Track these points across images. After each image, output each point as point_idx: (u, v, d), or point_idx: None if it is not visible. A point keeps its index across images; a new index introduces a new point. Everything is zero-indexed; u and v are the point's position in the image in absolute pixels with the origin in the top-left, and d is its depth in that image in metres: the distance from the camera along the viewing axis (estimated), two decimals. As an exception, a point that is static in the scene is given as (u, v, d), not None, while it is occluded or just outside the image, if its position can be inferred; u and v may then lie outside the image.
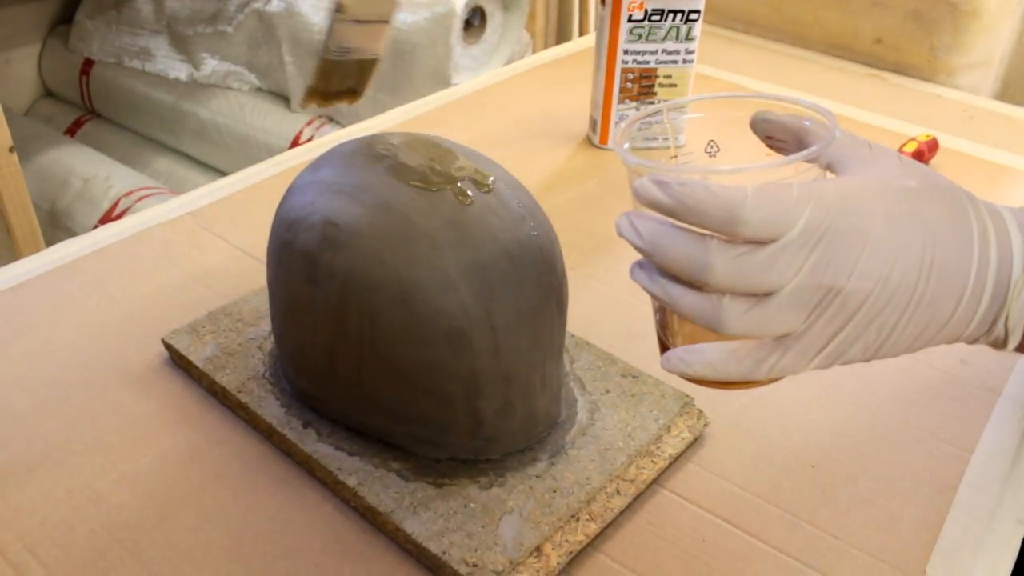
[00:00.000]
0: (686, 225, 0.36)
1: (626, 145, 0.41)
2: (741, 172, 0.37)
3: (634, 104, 0.89)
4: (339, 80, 0.51)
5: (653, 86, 0.89)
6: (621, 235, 0.37)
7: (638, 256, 0.39)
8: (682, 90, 0.90)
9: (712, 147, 0.44)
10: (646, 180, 0.35)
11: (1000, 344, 0.40)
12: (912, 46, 1.13)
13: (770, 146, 0.42)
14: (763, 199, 0.34)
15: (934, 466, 0.54)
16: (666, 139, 0.45)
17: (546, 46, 1.83)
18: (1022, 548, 0.50)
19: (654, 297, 0.38)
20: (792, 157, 0.37)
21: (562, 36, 1.86)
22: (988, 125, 1.02)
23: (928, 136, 0.90)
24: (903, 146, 0.89)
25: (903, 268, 0.36)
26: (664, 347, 0.43)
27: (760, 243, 0.35)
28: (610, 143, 0.92)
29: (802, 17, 1.22)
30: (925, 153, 0.88)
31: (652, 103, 0.90)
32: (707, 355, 0.37)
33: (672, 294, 0.37)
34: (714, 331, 0.36)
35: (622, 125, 0.42)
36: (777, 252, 0.34)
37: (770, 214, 0.34)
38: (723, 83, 1.09)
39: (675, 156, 0.45)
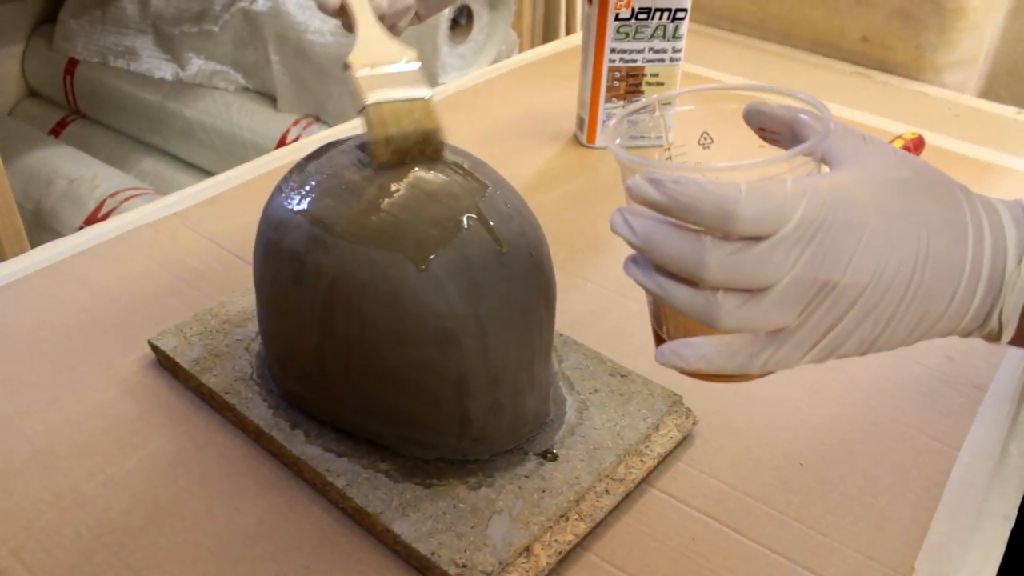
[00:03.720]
0: (680, 221, 0.36)
1: (617, 140, 0.40)
2: (736, 169, 0.37)
3: (621, 103, 0.89)
4: (397, 121, 0.51)
5: (640, 85, 0.89)
6: (615, 231, 0.37)
7: (629, 252, 0.39)
8: (669, 89, 0.90)
9: (705, 139, 0.44)
10: (639, 178, 0.35)
11: (994, 337, 0.40)
12: (898, 44, 1.14)
13: (763, 138, 0.42)
14: (757, 195, 0.34)
15: (922, 463, 0.54)
16: (659, 136, 0.45)
17: (533, 45, 1.83)
18: (1009, 544, 0.51)
19: (648, 292, 0.38)
20: (788, 153, 0.37)
21: (549, 35, 1.86)
22: (973, 123, 1.03)
23: (914, 134, 0.90)
24: (890, 143, 0.89)
25: (898, 261, 0.36)
26: (659, 340, 0.43)
27: (754, 239, 0.35)
28: (601, 139, 0.92)
29: (788, 15, 1.22)
30: (911, 151, 0.89)
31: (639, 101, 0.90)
32: (701, 349, 0.37)
33: (666, 289, 0.37)
34: (708, 326, 0.36)
35: (612, 121, 0.41)
36: (771, 248, 0.34)
37: (764, 210, 0.34)
38: (710, 81, 1.10)
39: (668, 149, 0.44)
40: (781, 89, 0.42)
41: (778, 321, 0.36)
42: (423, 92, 0.52)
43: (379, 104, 0.50)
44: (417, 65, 0.54)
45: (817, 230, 0.35)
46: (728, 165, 0.37)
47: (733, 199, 0.34)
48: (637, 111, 0.43)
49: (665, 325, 0.42)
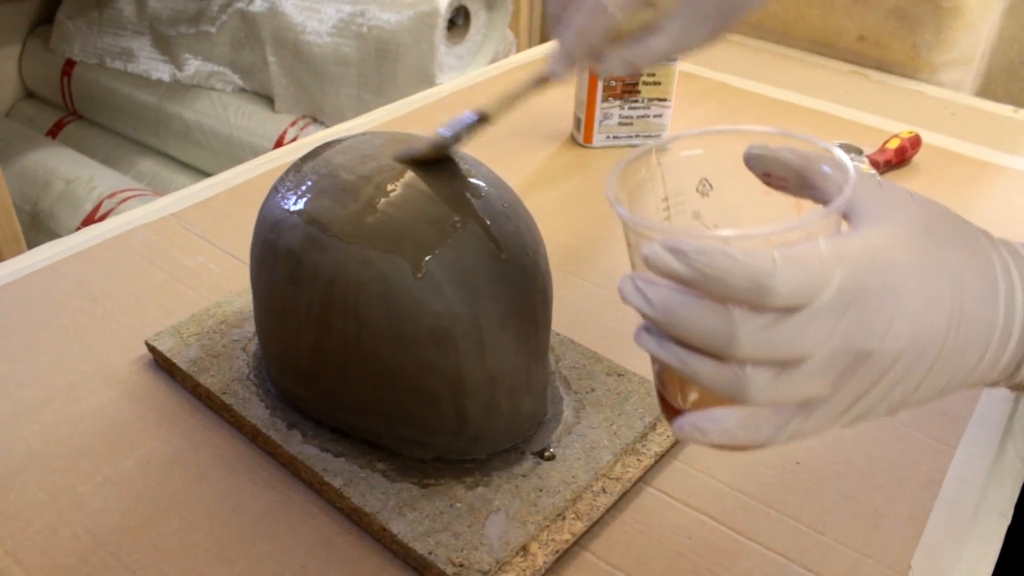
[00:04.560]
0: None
1: (618, 196, 0.38)
2: (766, 237, 0.34)
3: (618, 103, 0.90)
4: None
5: (637, 84, 0.89)
6: (627, 301, 0.34)
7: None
8: (666, 88, 0.90)
9: (704, 186, 0.41)
10: (659, 248, 0.32)
11: (1022, 387, 0.39)
12: (895, 43, 1.14)
13: (768, 183, 0.39)
14: (793, 265, 0.31)
15: (918, 461, 0.54)
16: (654, 186, 0.41)
17: (530, 45, 1.83)
18: (1006, 542, 0.51)
19: (666, 365, 0.35)
20: (821, 213, 0.34)
21: (546, 35, 1.86)
22: (970, 121, 1.03)
23: (911, 132, 0.90)
24: (886, 143, 0.89)
25: (932, 323, 0.34)
26: (666, 405, 0.40)
27: (788, 309, 0.32)
28: (598, 138, 0.92)
29: (785, 15, 1.22)
30: (908, 149, 0.89)
31: (636, 101, 0.90)
32: (723, 423, 0.34)
33: (688, 364, 0.33)
34: (735, 401, 0.34)
35: (611, 175, 0.38)
36: (807, 319, 0.32)
37: (801, 281, 0.31)
38: (707, 81, 1.10)
39: (665, 199, 0.41)
40: (780, 131, 0.39)
41: (811, 393, 0.33)
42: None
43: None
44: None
45: (854, 297, 0.32)
46: (760, 232, 0.34)
47: (768, 271, 0.31)
48: (634, 158, 0.40)
49: (677, 394, 0.39)
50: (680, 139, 0.41)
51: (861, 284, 0.32)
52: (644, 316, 0.34)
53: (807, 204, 0.39)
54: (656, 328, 0.34)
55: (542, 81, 0.48)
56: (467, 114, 0.49)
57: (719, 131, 0.40)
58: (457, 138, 0.50)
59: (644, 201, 0.40)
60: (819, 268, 0.32)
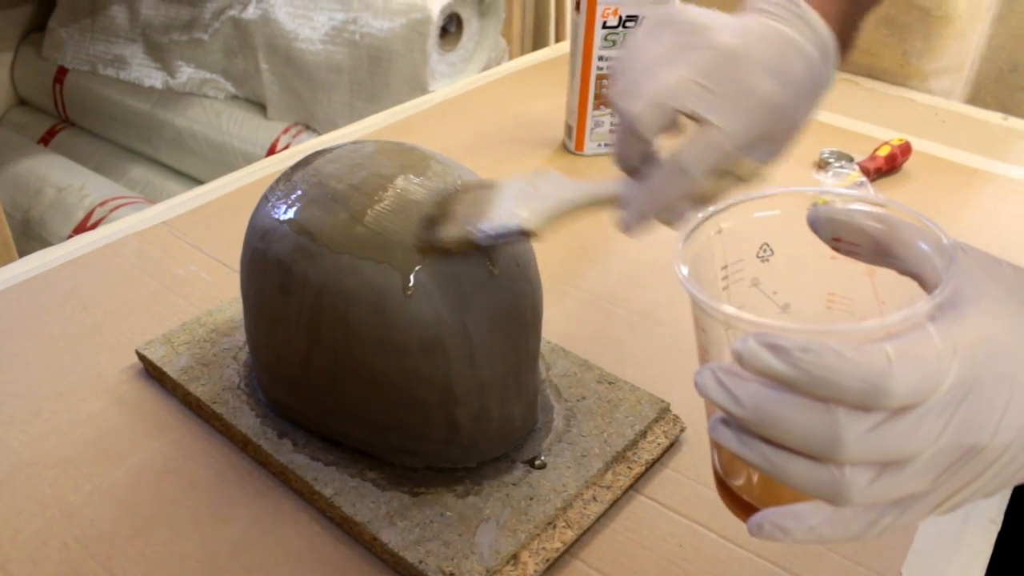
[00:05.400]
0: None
1: (685, 270, 0.35)
2: (872, 330, 0.30)
3: (609, 110, 0.90)
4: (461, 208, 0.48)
5: (628, 92, 0.89)
6: (707, 397, 0.31)
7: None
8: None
9: (765, 250, 0.38)
10: (754, 344, 0.29)
11: None
12: (885, 51, 1.14)
13: (836, 248, 0.36)
14: (910, 364, 0.28)
15: (908, 468, 0.54)
16: (712, 254, 0.38)
17: (522, 52, 1.83)
18: (995, 548, 0.51)
19: (748, 464, 0.31)
20: (931, 304, 0.31)
21: (538, 42, 1.86)
22: (960, 129, 1.03)
23: (901, 140, 0.91)
24: (877, 150, 0.89)
25: None
26: (724, 488, 0.37)
27: (901, 409, 0.29)
28: (590, 146, 0.92)
29: (776, 23, 1.22)
30: (898, 157, 0.89)
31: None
32: (808, 520, 0.31)
33: (778, 465, 0.30)
34: (831, 504, 0.31)
35: (678, 251, 0.35)
36: (921, 417, 0.29)
37: (919, 380, 0.28)
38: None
39: (725, 266, 0.38)
40: (886, 200, 0.35)
41: (914, 491, 0.31)
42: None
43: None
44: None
45: (968, 391, 0.29)
46: (871, 326, 0.31)
47: (884, 372, 0.28)
48: (695, 229, 0.37)
49: (749, 487, 0.36)
50: (739, 203, 0.38)
51: (976, 376, 0.30)
52: (728, 414, 0.31)
53: (880, 271, 0.36)
54: (737, 423, 0.31)
55: (598, 205, 0.46)
56: (511, 224, 0.45)
57: (781, 192, 0.37)
58: (491, 244, 0.47)
59: (702, 271, 0.37)
60: (935, 364, 0.29)
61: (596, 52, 0.87)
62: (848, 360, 0.28)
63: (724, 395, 0.30)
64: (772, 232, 0.38)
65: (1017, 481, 0.33)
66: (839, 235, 0.35)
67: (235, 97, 1.81)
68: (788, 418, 0.29)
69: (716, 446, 0.37)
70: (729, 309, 0.32)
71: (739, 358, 0.30)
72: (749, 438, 0.31)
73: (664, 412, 0.55)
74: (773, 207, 0.37)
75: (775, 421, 0.29)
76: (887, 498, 0.31)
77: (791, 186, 0.37)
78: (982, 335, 0.30)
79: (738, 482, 0.36)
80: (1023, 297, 0.33)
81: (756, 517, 0.32)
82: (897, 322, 0.30)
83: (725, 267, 0.38)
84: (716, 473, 0.38)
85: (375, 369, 0.47)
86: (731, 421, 0.31)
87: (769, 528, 0.32)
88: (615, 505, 0.51)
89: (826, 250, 0.36)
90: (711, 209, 0.37)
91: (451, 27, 1.66)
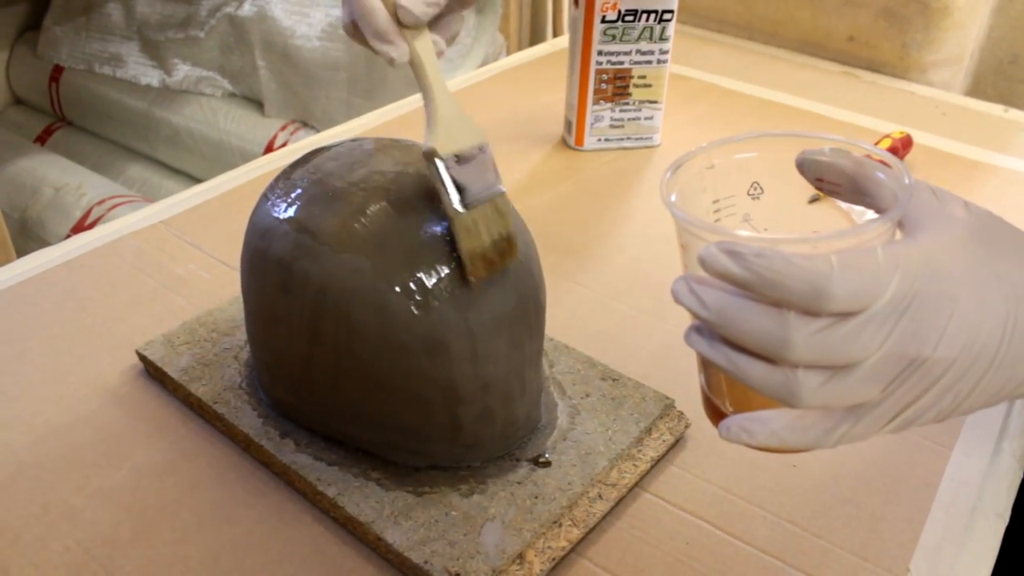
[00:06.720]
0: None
1: (673, 197, 0.38)
2: (822, 242, 0.34)
3: (609, 105, 0.89)
4: (487, 230, 0.47)
5: (628, 87, 0.89)
6: (679, 301, 0.34)
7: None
8: (657, 90, 0.89)
9: (756, 189, 0.41)
10: (715, 250, 0.32)
11: None
12: (884, 43, 1.14)
13: (820, 188, 0.39)
14: (851, 271, 0.32)
15: (915, 464, 0.54)
16: (704, 188, 0.41)
17: (520, 48, 1.83)
18: (1004, 543, 0.50)
19: (715, 365, 0.35)
20: (877, 221, 0.34)
21: (536, 38, 1.85)
22: (960, 121, 1.03)
23: (902, 133, 0.90)
24: (877, 143, 0.89)
25: (987, 332, 0.34)
26: (712, 408, 0.41)
27: (844, 315, 0.32)
28: (589, 141, 0.91)
29: (775, 16, 1.22)
30: (899, 150, 0.89)
31: (627, 103, 0.90)
32: (771, 424, 0.35)
33: (739, 365, 0.34)
34: (785, 404, 0.34)
35: (665, 177, 0.38)
36: (862, 325, 0.32)
37: (858, 286, 0.32)
38: (697, 83, 1.10)
39: (716, 201, 0.41)
40: (835, 137, 0.39)
41: (862, 397, 0.34)
42: (500, 187, 0.48)
43: (467, 213, 0.46)
44: (489, 149, 0.48)
45: (909, 304, 0.32)
46: (817, 237, 0.34)
47: (825, 275, 0.31)
48: (691, 162, 0.40)
49: (724, 398, 0.40)
50: (732, 142, 0.41)
51: (917, 291, 0.33)
52: (696, 317, 0.34)
53: (858, 211, 0.39)
54: (708, 330, 0.35)
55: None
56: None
57: (772, 135, 0.40)
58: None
59: (694, 203, 0.39)
60: (876, 274, 0.32)
61: (595, 47, 0.86)
62: (794, 265, 0.31)
63: (693, 300, 0.34)
64: (763, 172, 0.41)
65: (975, 405, 0.35)
66: (822, 175, 0.39)
67: (232, 94, 1.81)
68: (746, 319, 0.33)
69: (701, 365, 0.40)
70: (700, 221, 0.35)
71: (702, 262, 0.33)
72: (717, 343, 0.34)
73: (669, 408, 0.55)
74: (765, 148, 0.41)
75: (734, 322, 0.33)
76: (839, 402, 0.33)
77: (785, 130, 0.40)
78: (926, 256, 0.34)
79: (719, 399, 0.40)
80: (982, 236, 0.36)
81: (725, 421, 0.36)
82: (844, 233, 0.34)
83: (717, 200, 0.41)
84: (702, 390, 0.41)
85: (377, 369, 0.47)
86: (703, 328, 0.35)
87: (736, 430, 0.35)
88: (621, 503, 0.51)
89: (811, 190, 0.40)
90: (702, 145, 0.40)
91: (448, 23, 1.65)
